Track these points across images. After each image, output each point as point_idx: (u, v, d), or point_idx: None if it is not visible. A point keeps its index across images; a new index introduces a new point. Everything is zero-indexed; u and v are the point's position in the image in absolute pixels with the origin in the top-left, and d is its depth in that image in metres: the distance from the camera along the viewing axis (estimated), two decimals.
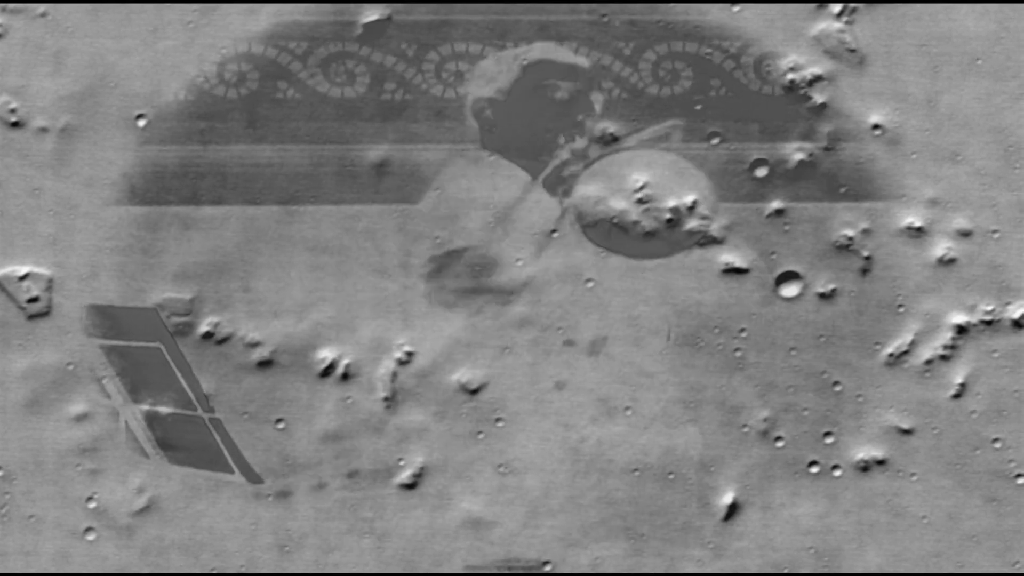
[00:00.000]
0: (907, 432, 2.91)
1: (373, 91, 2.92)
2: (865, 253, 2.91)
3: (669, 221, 2.91)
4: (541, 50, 2.92)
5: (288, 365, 2.92)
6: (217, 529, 2.92)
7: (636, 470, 2.91)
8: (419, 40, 2.93)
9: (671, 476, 2.91)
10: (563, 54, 2.91)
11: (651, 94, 2.92)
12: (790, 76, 2.91)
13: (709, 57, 2.91)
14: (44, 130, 2.92)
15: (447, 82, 2.92)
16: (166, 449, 2.92)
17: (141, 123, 2.92)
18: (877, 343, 2.91)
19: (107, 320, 2.90)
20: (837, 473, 2.91)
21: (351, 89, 2.92)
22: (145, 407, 2.91)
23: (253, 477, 2.91)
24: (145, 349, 2.91)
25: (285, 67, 2.92)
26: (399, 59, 2.92)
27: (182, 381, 2.91)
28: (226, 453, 2.91)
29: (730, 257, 2.92)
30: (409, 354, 2.91)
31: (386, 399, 2.92)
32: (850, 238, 2.91)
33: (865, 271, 2.92)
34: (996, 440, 2.91)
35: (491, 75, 2.90)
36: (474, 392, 2.91)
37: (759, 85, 2.91)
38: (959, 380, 2.91)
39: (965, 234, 2.92)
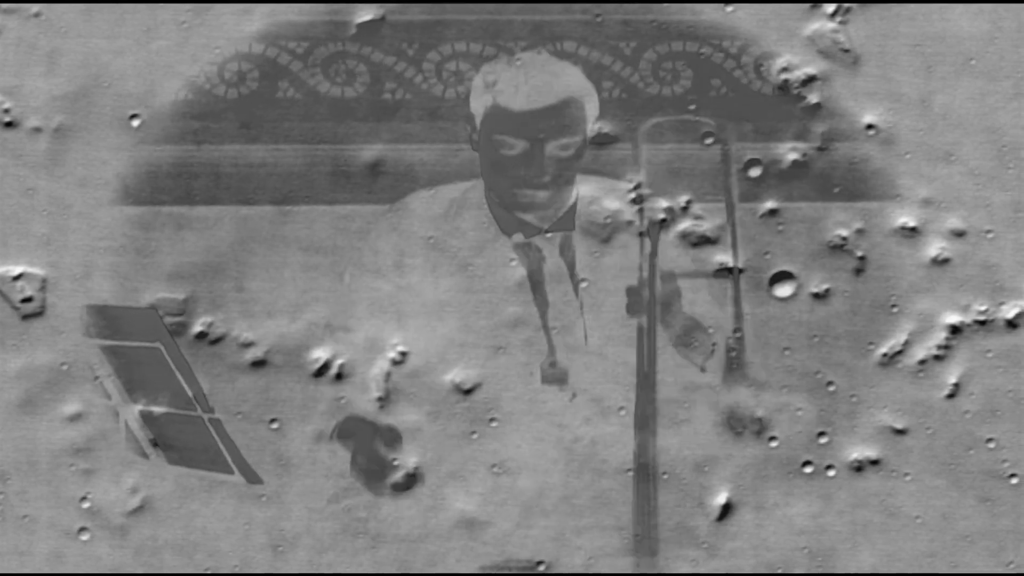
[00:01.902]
0: (901, 432, 2.91)
1: (373, 91, 2.92)
2: (859, 253, 2.91)
3: (663, 221, 2.92)
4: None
5: (282, 365, 2.92)
6: (211, 529, 2.92)
7: (630, 470, 2.91)
8: (416, 40, 2.93)
9: (665, 476, 2.91)
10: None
11: (650, 93, 2.92)
12: (784, 76, 2.91)
13: (709, 57, 2.91)
14: (38, 130, 2.92)
15: (447, 82, 2.92)
16: (166, 449, 2.92)
17: (135, 123, 2.92)
18: (871, 343, 2.91)
19: (106, 320, 2.90)
20: (831, 473, 2.91)
21: (351, 89, 2.92)
22: (144, 408, 2.91)
23: (253, 477, 2.91)
24: (144, 349, 2.91)
25: (285, 67, 2.92)
26: (399, 58, 2.92)
27: (181, 381, 2.91)
28: (226, 453, 2.91)
29: (724, 257, 2.92)
30: (403, 354, 2.91)
31: (380, 399, 2.92)
32: (844, 238, 2.91)
33: (859, 271, 2.92)
34: (990, 440, 2.91)
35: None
36: (468, 392, 2.91)
37: (759, 85, 2.91)
38: (953, 380, 2.91)
39: (959, 234, 2.92)
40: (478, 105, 2.87)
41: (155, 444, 2.92)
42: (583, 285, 2.92)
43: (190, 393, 2.90)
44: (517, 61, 2.86)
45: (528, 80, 2.84)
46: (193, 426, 2.91)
